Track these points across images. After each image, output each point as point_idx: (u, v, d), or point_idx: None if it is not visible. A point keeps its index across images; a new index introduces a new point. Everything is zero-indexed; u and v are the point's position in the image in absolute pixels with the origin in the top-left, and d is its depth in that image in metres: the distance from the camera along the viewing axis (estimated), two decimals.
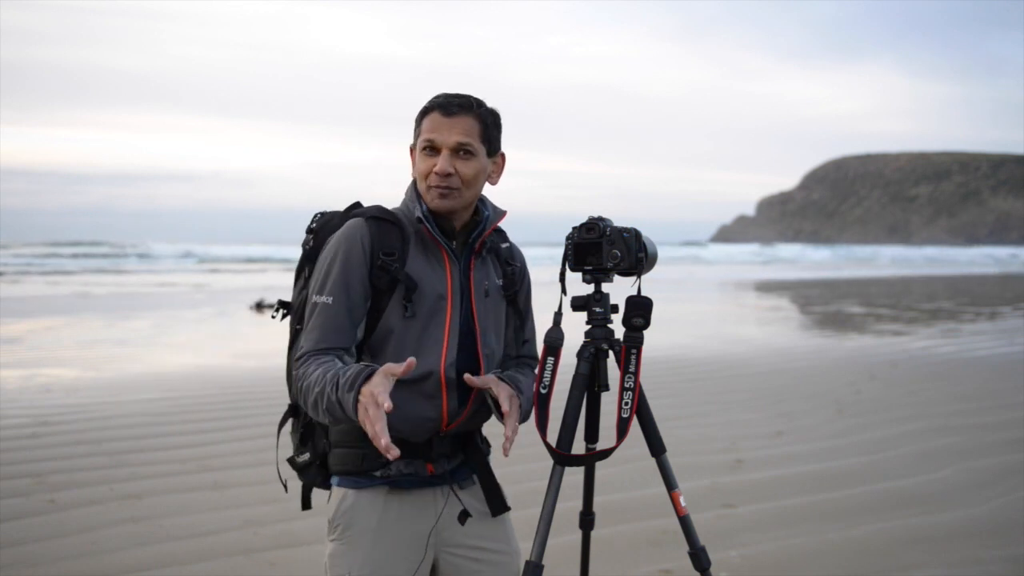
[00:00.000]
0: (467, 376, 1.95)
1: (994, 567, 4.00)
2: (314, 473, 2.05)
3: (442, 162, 1.94)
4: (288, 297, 2.13)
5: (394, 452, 1.65)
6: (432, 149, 1.96)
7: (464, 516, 2.01)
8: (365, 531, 1.98)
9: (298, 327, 2.01)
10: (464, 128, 1.96)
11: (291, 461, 2.08)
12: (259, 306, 16.61)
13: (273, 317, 2.14)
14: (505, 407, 1.93)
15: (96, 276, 29.61)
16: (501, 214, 2.09)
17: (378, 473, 1.98)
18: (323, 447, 2.02)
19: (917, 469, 5.58)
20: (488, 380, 1.97)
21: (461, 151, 1.96)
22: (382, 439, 1.64)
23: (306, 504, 2.13)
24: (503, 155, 2.09)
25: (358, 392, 1.72)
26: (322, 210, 2.10)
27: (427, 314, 1.96)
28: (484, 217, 2.06)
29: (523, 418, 2.02)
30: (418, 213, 1.96)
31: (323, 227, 2.04)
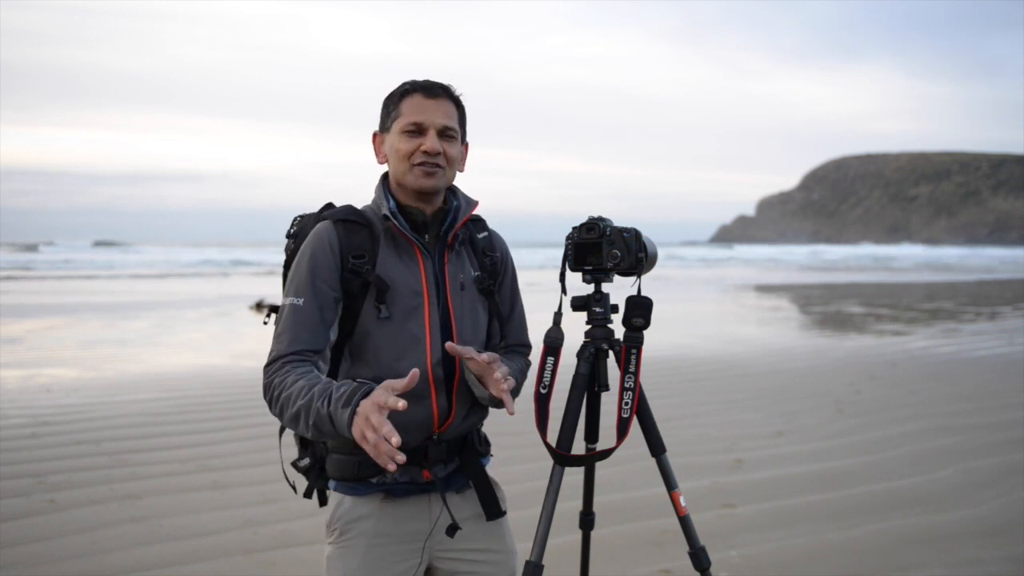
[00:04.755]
0: (448, 344, 1.89)
1: (994, 567, 4.00)
2: (316, 477, 2.04)
3: (431, 141, 1.94)
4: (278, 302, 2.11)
5: (400, 457, 1.57)
6: (418, 131, 1.95)
7: (453, 530, 1.98)
8: (361, 536, 1.98)
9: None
10: (446, 111, 1.98)
11: (294, 465, 2.07)
12: (259, 306, 16.61)
13: (265, 323, 2.12)
14: (484, 358, 1.87)
15: None
16: (473, 204, 2.07)
17: (374, 480, 1.97)
18: (321, 452, 2.02)
19: (917, 469, 5.58)
20: (469, 350, 1.90)
21: (445, 133, 1.97)
22: (393, 438, 1.56)
23: (323, 501, 2.12)
24: (467, 144, 2.09)
25: (355, 407, 1.66)
26: (301, 213, 2.07)
27: (404, 313, 1.93)
28: (454, 207, 2.05)
29: (514, 388, 1.97)
30: (385, 210, 1.95)
31: (301, 230, 2.02)
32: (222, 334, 12.95)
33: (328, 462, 2.00)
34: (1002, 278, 34.16)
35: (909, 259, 64.95)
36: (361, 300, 1.92)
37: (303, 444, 2.06)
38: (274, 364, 1.86)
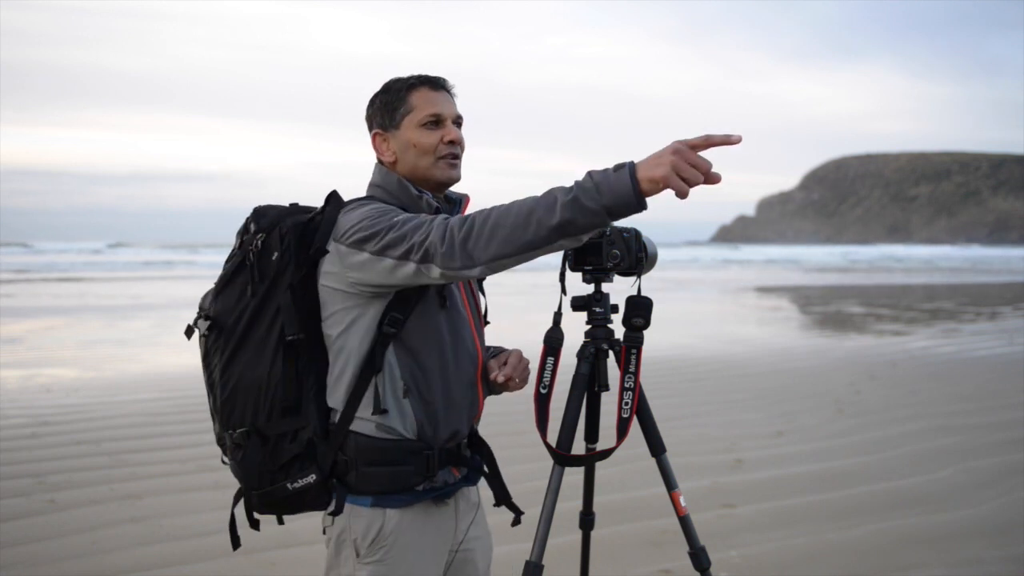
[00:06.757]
0: (494, 376, 1.95)
1: (994, 567, 4.00)
2: (314, 496, 1.86)
3: (454, 131, 1.95)
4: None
5: (737, 135, 1.55)
6: (436, 122, 1.94)
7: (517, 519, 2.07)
8: (408, 548, 1.87)
9: (237, 347, 1.84)
10: (452, 101, 1.99)
11: (272, 493, 1.92)
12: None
13: (204, 336, 1.90)
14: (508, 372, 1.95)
15: None
16: (466, 197, 2.07)
17: (420, 487, 1.88)
18: (341, 465, 1.85)
19: (917, 469, 5.58)
20: (505, 371, 1.96)
21: (458, 122, 1.98)
22: (730, 134, 1.55)
23: (237, 543, 2.03)
24: None
25: (631, 169, 1.56)
26: (259, 204, 1.89)
27: (452, 299, 1.94)
28: (455, 199, 2.05)
29: None
30: (435, 203, 1.92)
31: (277, 224, 1.84)
32: None
33: (357, 477, 1.84)
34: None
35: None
36: (417, 290, 1.84)
37: (299, 458, 1.85)
38: (446, 222, 1.69)
